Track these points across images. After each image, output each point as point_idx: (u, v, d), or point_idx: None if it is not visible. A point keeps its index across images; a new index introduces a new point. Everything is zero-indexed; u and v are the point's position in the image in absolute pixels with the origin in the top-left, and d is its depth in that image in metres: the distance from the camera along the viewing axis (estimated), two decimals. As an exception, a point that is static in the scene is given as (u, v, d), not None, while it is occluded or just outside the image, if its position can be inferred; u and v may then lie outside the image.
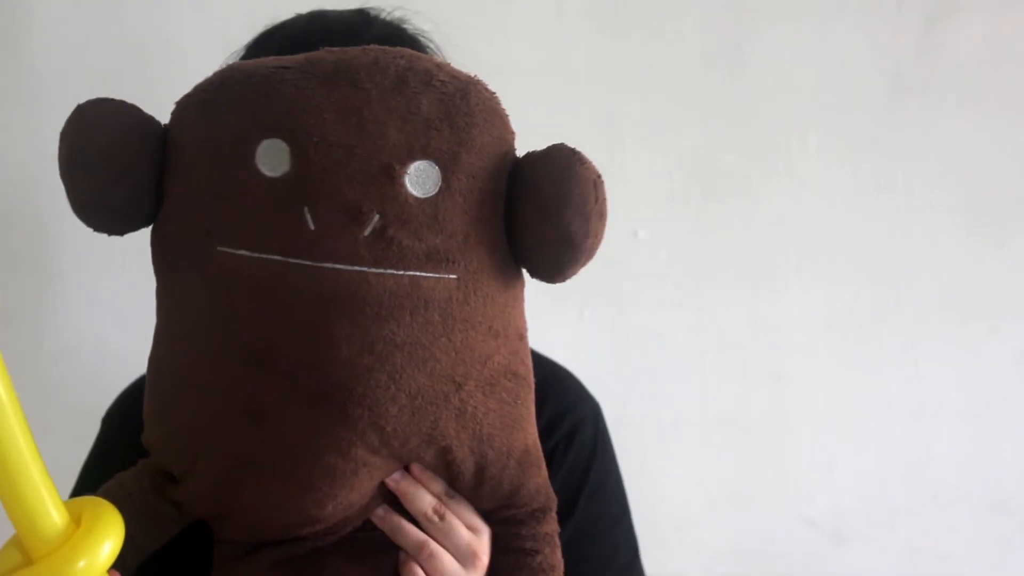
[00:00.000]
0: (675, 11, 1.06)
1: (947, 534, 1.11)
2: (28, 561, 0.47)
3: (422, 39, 0.70)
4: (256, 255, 0.49)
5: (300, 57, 0.51)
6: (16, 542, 0.48)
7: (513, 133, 0.54)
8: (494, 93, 0.54)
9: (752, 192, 1.08)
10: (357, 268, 0.49)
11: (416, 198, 0.49)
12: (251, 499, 0.53)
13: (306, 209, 0.48)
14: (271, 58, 0.52)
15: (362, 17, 0.69)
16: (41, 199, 1.00)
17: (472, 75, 0.53)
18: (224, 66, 0.53)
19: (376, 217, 0.48)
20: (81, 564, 0.46)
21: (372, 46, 0.51)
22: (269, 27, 0.70)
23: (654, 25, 1.06)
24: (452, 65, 0.54)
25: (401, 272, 0.49)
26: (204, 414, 0.52)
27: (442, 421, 0.52)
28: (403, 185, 0.49)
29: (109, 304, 1.02)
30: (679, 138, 1.07)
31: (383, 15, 0.70)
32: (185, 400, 0.53)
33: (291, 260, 0.49)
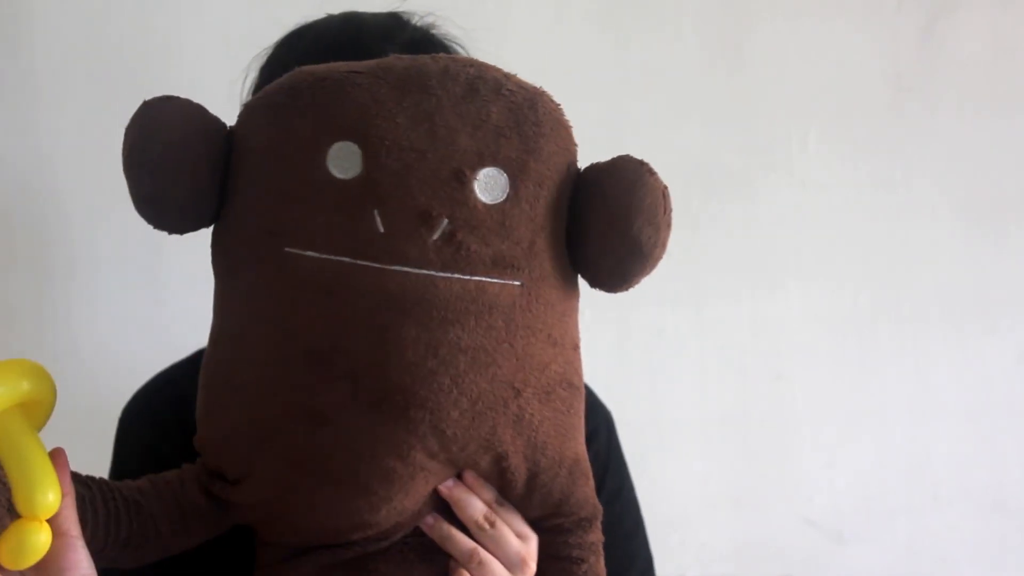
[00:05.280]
0: (675, 12, 1.06)
1: (947, 534, 1.11)
2: None
3: (452, 44, 0.71)
4: (324, 256, 0.49)
5: (371, 63, 0.52)
6: None
7: (576, 144, 0.55)
8: (559, 105, 0.55)
9: (752, 192, 1.08)
10: (425, 272, 0.49)
11: (484, 204, 0.50)
12: (306, 502, 0.53)
13: (376, 212, 0.49)
14: (341, 63, 0.52)
15: (395, 20, 0.69)
16: (41, 199, 1.00)
17: (538, 87, 0.54)
18: (294, 71, 0.53)
19: (445, 221, 0.49)
20: None
21: (441, 55, 0.53)
22: (300, 26, 0.70)
23: (654, 26, 1.06)
24: (519, 78, 0.54)
25: (468, 277, 0.50)
26: (263, 416, 0.52)
27: (500, 427, 0.52)
28: (472, 191, 0.50)
29: (109, 305, 1.02)
30: (679, 138, 1.07)
31: (415, 20, 0.70)
32: (243, 402, 0.52)
33: (359, 262, 0.49)
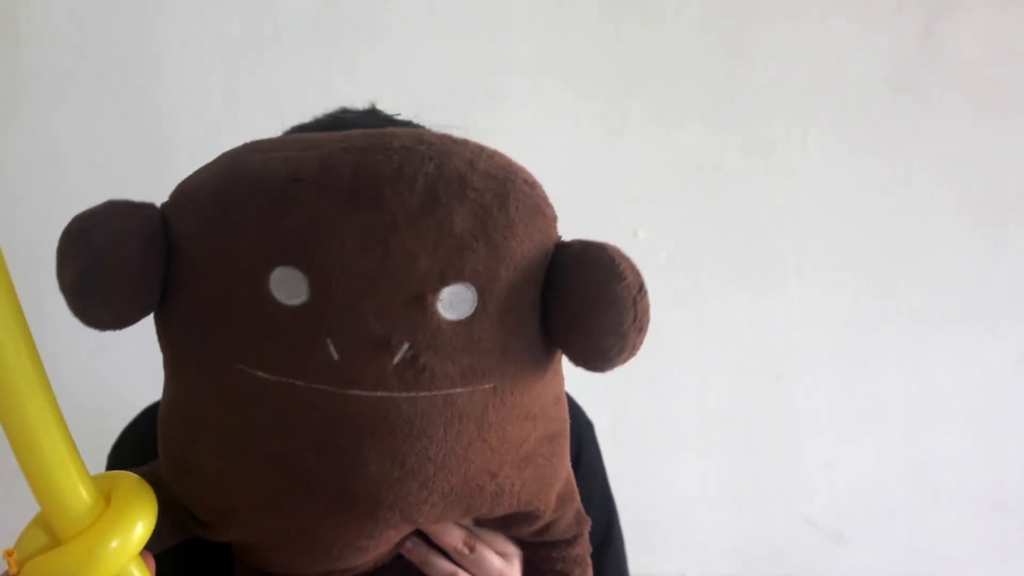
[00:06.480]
0: (675, 10, 1.06)
1: (947, 534, 1.11)
2: (55, 542, 0.44)
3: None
4: (275, 378, 0.45)
5: (315, 162, 0.45)
6: (41, 521, 0.45)
7: (555, 218, 0.49)
8: (535, 183, 0.48)
9: (752, 192, 1.08)
10: (386, 394, 0.45)
11: (449, 322, 0.45)
12: (274, 559, 0.53)
13: (329, 340, 0.44)
14: (283, 160, 0.46)
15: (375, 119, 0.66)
16: (41, 199, 1.00)
17: (511, 165, 0.47)
18: (229, 158, 0.47)
19: (406, 346, 0.44)
20: (113, 545, 0.44)
21: (396, 144, 0.45)
22: (336, 114, 0.67)
23: (654, 25, 1.06)
24: (488, 153, 0.47)
25: (434, 394, 0.46)
26: (221, 500, 0.50)
27: (476, 505, 0.50)
28: (435, 312, 0.45)
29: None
30: (679, 137, 1.07)
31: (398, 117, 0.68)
32: (201, 476, 0.50)
33: (313, 386, 0.45)
